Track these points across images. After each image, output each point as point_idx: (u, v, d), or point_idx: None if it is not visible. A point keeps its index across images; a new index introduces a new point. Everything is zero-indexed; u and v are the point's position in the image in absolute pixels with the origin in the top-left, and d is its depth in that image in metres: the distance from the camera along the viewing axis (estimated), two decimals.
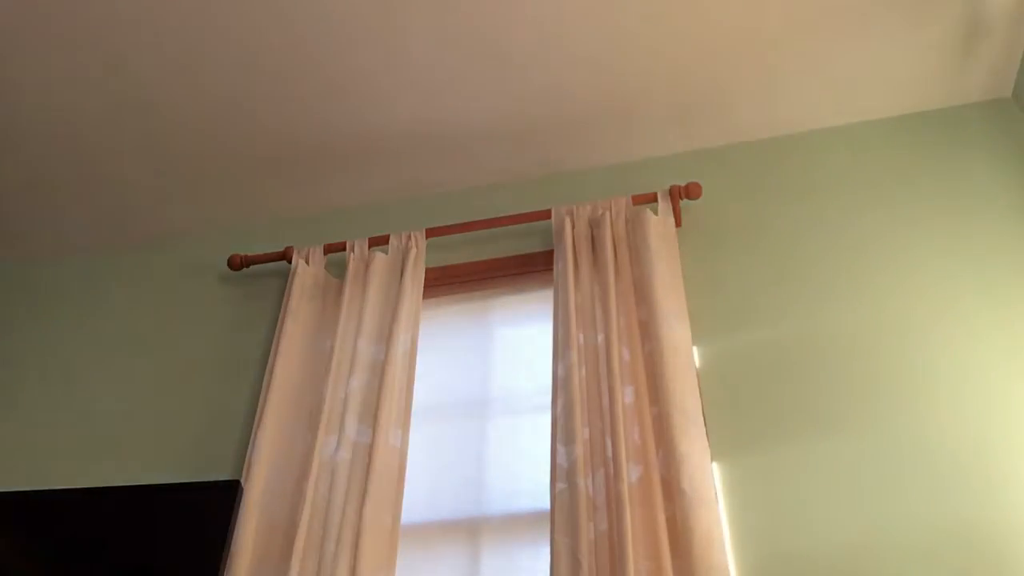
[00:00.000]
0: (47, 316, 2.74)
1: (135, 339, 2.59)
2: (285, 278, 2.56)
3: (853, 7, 2.14)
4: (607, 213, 2.25)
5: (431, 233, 2.42)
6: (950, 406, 1.86)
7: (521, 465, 2.05)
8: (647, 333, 1.98)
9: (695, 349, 2.07)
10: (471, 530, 2.00)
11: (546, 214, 2.36)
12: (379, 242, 2.44)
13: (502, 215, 2.45)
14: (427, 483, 2.08)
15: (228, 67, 2.29)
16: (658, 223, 2.19)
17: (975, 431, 1.81)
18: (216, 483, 2.01)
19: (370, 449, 1.95)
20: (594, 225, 2.26)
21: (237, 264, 2.55)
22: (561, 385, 1.94)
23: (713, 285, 2.20)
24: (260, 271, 2.62)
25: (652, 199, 2.29)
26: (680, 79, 2.33)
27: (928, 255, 2.11)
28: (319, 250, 2.48)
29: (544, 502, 1.92)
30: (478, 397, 2.21)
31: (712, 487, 1.73)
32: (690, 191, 2.27)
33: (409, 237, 2.40)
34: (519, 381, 2.20)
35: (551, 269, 2.36)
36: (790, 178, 2.37)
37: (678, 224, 2.30)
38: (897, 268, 2.11)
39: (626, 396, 1.90)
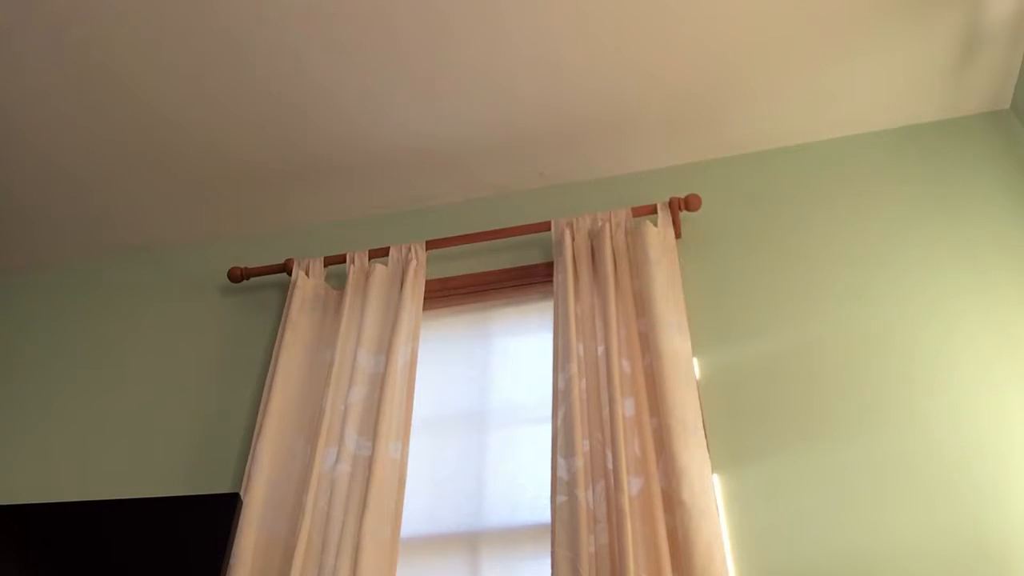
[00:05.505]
0: (46, 327, 2.74)
1: (135, 351, 2.59)
2: (285, 290, 2.57)
3: (851, 20, 2.15)
4: (607, 225, 2.25)
5: (431, 245, 2.42)
6: (951, 416, 1.86)
7: (521, 477, 2.04)
8: (647, 344, 1.98)
9: (695, 360, 2.07)
10: (471, 543, 1.99)
11: (546, 226, 2.36)
12: (379, 254, 2.45)
13: (502, 227, 2.45)
14: (427, 496, 2.08)
15: (230, 80, 2.30)
16: (658, 235, 2.19)
17: (977, 440, 1.81)
18: (216, 496, 2.00)
19: (370, 461, 1.95)
20: (594, 237, 2.27)
21: (237, 276, 2.55)
22: (561, 397, 1.94)
23: (713, 296, 2.20)
24: (260, 283, 2.62)
25: (652, 211, 2.30)
26: (676, 93, 2.34)
27: (927, 266, 2.11)
28: (319, 262, 2.48)
29: (544, 515, 1.92)
30: (478, 409, 2.21)
31: (713, 499, 1.73)
32: (689, 203, 2.28)
33: (409, 249, 2.40)
34: (519, 393, 2.20)
35: (551, 281, 2.36)
36: (789, 190, 2.38)
37: (678, 236, 2.30)
38: (896, 279, 2.11)
39: (626, 408, 1.90)
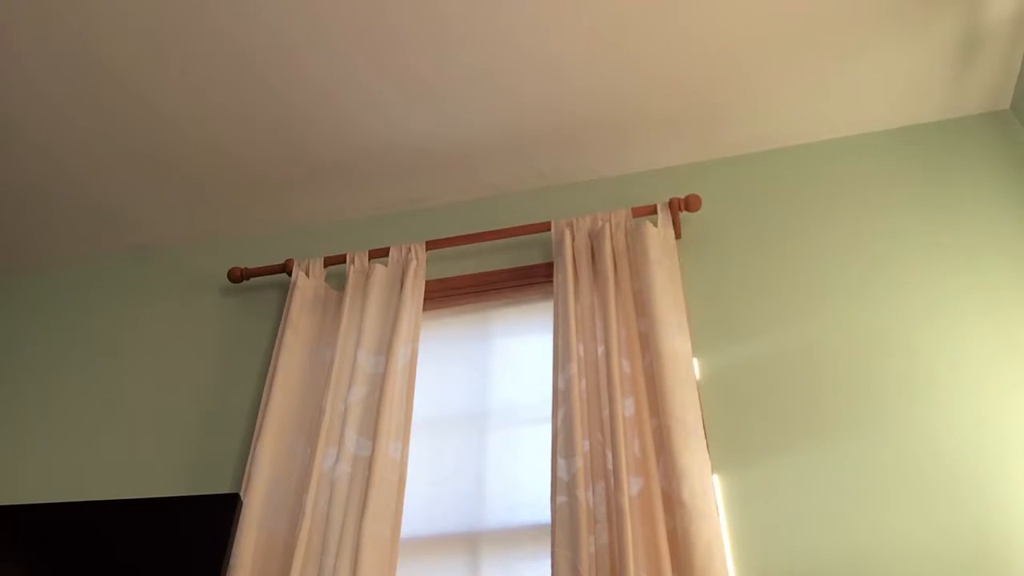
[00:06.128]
0: (45, 327, 2.74)
1: (135, 351, 2.59)
2: (285, 290, 2.56)
3: (852, 21, 2.15)
4: (607, 225, 2.25)
5: (431, 245, 2.42)
6: (951, 416, 1.86)
7: (521, 478, 2.04)
8: (647, 345, 1.98)
9: (695, 360, 2.07)
10: (471, 543, 1.99)
11: (546, 226, 2.36)
12: (379, 254, 2.45)
13: (502, 227, 2.45)
14: (427, 496, 2.08)
15: (230, 80, 2.30)
16: (658, 235, 2.19)
17: (977, 440, 1.81)
18: (215, 496, 2.00)
19: (370, 462, 1.95)
20: (594, 237, 2.27)
21: (237, 276, 2.55)
22: (561, 397, 1.94)
23: (713, 297, 2.20)
24: (260, 283, 2.62)
25: (652, 211, 2.30)
26: (676, 93, 2.33)
27: (928, 267, 2.11)
28: (319, 262, 2.48)
29: (544, 515, 1.91)
30: (478, 409, 2.21)
31: (713, 499, 1.73)
32: (689, 203, 2.28)
33: (409, 249, 2.40)
34: (519, 393, 2.20)
35: (551, 281, 2.36)
36: (789, 190, 2.38)
37: (678, 236, 2.30)
38: (897, 280, 2.11)
39: (626, 408, 1.90)
